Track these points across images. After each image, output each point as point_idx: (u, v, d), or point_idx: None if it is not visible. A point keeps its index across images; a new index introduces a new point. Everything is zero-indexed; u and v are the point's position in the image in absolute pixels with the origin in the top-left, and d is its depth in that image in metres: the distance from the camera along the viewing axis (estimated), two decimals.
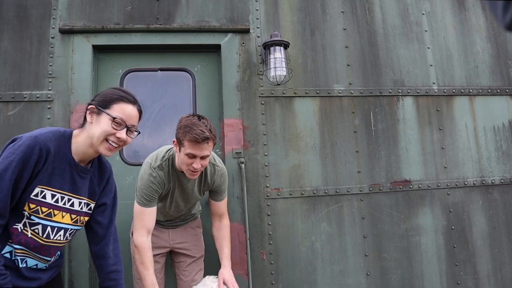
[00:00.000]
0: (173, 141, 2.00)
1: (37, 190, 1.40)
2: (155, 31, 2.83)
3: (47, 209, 1.44)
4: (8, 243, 1.42)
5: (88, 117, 1.49)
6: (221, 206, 2.25)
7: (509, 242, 2.97)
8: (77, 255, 2.48)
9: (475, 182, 3.01)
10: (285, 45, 2.74)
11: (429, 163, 2.97)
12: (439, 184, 2.95)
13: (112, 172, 1.71)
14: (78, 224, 1.57)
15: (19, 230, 1.42)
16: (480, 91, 3.15)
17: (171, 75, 2.96)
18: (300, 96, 2.89)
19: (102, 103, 1.48)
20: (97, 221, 1.64)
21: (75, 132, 1.52)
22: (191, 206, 2.30)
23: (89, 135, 1.47)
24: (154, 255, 2.09)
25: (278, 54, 2.70)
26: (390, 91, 3.02)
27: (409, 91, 3.04)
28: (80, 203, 1.55)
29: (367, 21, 3.10)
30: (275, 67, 2.68)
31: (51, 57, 2.69)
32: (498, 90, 3.18)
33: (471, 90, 3.14)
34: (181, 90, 2.93)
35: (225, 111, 2.79)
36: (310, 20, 3.03)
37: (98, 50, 2.82)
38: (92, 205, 1.62)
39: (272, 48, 2.71)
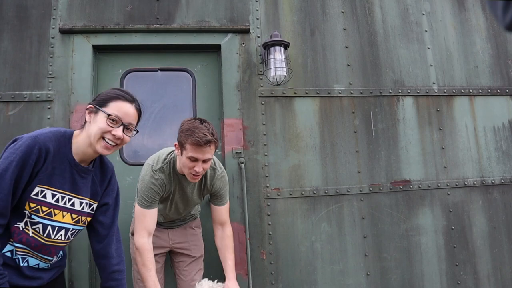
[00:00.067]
0: (175, 145, 2.00)
1: (37, 189, 1.41)
2: (155, 31, 2.83)
3: (47, 208, 1.44)
4: (9, 242, 1.43)
5: (87, 117, 1.50)
6: (223, 212, 2.21)
7: (509, 242, 2.97)
8: (77, 255, 2.48)
9: (475, 182, 3.01)
10: (285, 45, 2.74)
11: (429, 163, 2.97)
12: (439, 184, 2.95)
13: (114, 172, 1.71)
14: (80, 224, 1.57)
15: (20, 229, 1.43)
16: (480, 91, 3.15)
17: (171, 75, 2.96)
18: (300, 96, 2.89)
19: (100, 102, 1.49)
20: (99, 221, 1.64)
21: (75, 132, 1.53)
22: (191, 209, 2.30)
23: (88, 135, 1.48)
24: (154, 255, 2.08)
25: (278, 54, 2.70)
26: (390, 91, 3.02)
27: (409, 91, 3.05)
28: (81, 203, 1.55)
29: (367, 21, 3.10)
30: (275, 67, 2.68)
31: (51, 57, 2.70)
32: (498, 90, 3.18)
33: (471, 90, 3.14)
34: (181, 90, 2.93)
35: (225, 111, 2.79)
36: (310, 20, 3.03)
37: (98, 50, 2.82)
38: (95, 206, 1.62)
39: (272, 48, 2.72)
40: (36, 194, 1.41)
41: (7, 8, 2.72)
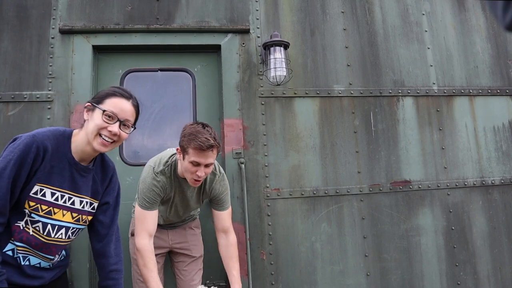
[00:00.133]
0: (177, 149, 1.99)
1: (36, 188, 1.41)
2: (155, 31, 2.83)
3: (46, 207, 1.45)
4: (10, 241, 1.43)
5: (85, 115, 1.51)
6: (225, 218, 2.17)
7: (509, 242, 2.97)
8: (77, 255, 2.48)
9: (475, 183, 3.00)
10: (285, 46, 2.74)
11: (429, 163, 2.97)
12: (439, 185, 2.95)
13: (116, 171, 1.71)
14: (80, 223, 1.57)
15: (21, 228, 1.43)
16: (480, 91, 3.15)
17: (171, 76, 2.96)
18: (300, 97, 2.89)
19: (97, 100, 1.50)
20: (99, 220, 1.65)
21: (75, 131, 1.54)
22: (190, 212, 2.30)
23: (86, 133, 1.48)
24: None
25: (278, 55, 2.70)
26: (390, 91, 3.02)
27: (409, 91, 3.04)
28: (81, 201, 1.55)
29: (367, 22, 3.10)
30: (275, 68, 2.68)
31: (51, 57, 2.69)
32: (498, 91, 3.18)
33: (471, 91, 3.14)
34: (181, 91, 2.93)
35: (225, 111, 2.79)
36: (310, 20, 3.03)
37: (98, 50, 2.82)
38: (96, 204, 1.62)
39: (272, 49, 2.72)
40: (36, 193, 1.41)
41: (7, 8, 2.72)
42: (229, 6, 2.94)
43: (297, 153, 2.82)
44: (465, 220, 2.94)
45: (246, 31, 2.91)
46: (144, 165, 2.15)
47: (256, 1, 2.97)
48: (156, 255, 2.17)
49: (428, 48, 3.14)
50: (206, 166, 1.91)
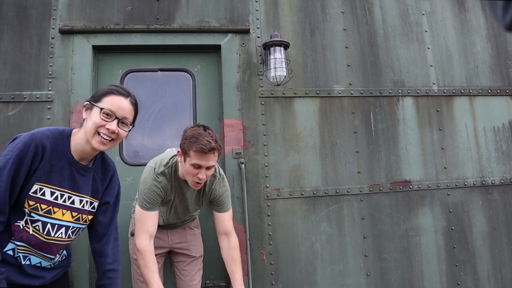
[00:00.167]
0: (178, 151, 1.99)
1: (35, 187, 1.41)
2: (155, 32, 2.83)
3: (46, 206, 1.45)
4: (11, 240, 1.43)
5: (84, 114, 1.51)
6: (226, 219, 2.16)
7: (509, 242, 2.97)
8: (77, 255, 2.48)
9: (475, 183, 3.00)
10: (285, 46, 2.74)
11: (429, 163, 2.97)
12: (439, 185, 2.95)
13: (116, 171, 1.71)
14: (81, 222, 1.57)
15: (21, 227, 1.43)
16: (480, 91, 3.15)
17: (171, 76, 2.96)
18: (300, 97, 2.89)
19: (95, 98, 1.50)
20: (99, 220, 1.65)
21: (74, 130, 1.54)
22: (190, 214, 2.30)
23: (85, 131, 1.48)
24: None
25: (278, 55, 2.70)
26: (390, 91, 3.02)
27: (409, 91, 3.04)
28: (81, 201, 1.55)
29: (367, 22, 3.10)
30: (275, 68, 2.68)
31: (51, 57, 2.69)
32: (498, 91, 3.18)
33: (471, 91, 3.14)
34: (181, 91, 2.93)
35: (225, 111, 2.79)
36: (310, 20, 3.03)
37: (98, 50, 2.82)
38: (96, 204, 1.62)
39: (272, 49, 2.72)
40: (35, 192, 1.42)
41: (7, 8, 2.72)
42: (229, 6, 2.94)
43: (297, 153, 2.82)
44: (465, 220, 2.94)
45: (246, 31, 2.91)
46: (144, 165, 2.15)
47: (256, 1, 2.97)
48: (156, 255, 2.17)
49: (428, 48, 3.14)
50: (208, 168, 1.91)
